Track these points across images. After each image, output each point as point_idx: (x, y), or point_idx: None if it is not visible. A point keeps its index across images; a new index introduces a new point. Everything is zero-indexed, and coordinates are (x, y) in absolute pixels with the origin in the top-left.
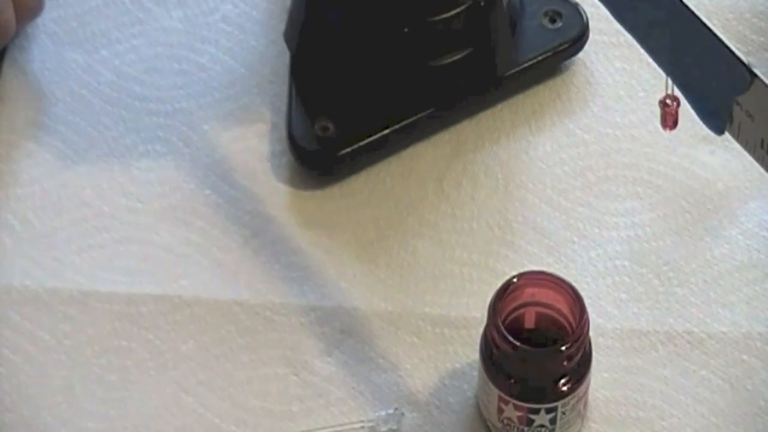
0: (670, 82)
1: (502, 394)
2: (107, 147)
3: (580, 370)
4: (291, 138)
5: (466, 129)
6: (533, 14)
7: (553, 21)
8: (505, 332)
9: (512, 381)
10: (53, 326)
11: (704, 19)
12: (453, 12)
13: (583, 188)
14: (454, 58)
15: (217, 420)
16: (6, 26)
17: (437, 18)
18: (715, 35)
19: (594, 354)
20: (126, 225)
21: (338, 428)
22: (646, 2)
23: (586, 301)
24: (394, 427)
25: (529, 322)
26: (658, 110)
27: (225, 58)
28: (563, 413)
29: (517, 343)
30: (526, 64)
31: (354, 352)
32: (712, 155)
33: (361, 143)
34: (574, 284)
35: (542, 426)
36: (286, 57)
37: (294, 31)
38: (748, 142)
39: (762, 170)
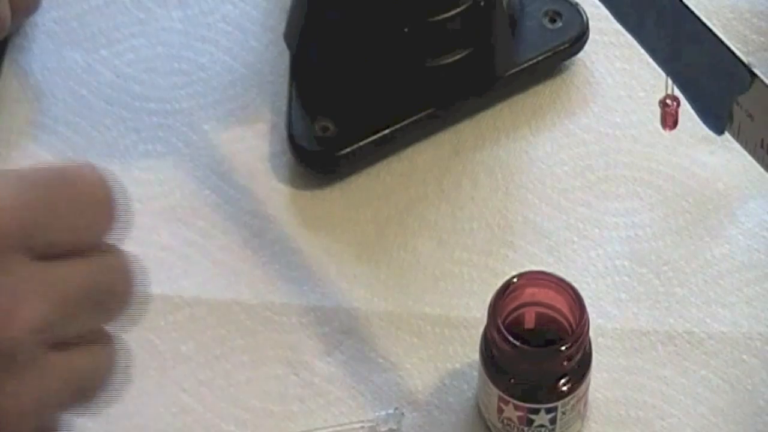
0: (670, 82)
1: (502, 394)
2: (107, 147)
3: (580, 370)
4: (291, 138)
5: (466, 129)
6: (533, 14)
7: (553, 21)
8: (505, 332)
9: (512, 381)
10: None
11: (704, 19)
12: (453, 12)
13: (583, 188)
14: (454, 58)
15: (217, 420)
16: (1, 21)
17: (437, 18)
18: (715, 35)
19: (594, 354)
20: None
21: (338, 428)
22: (646, 2)
23: (586, 301)
24: (394, 427)
25: (529, 322)
26: (658, 110)
27: (225, 58)
28: (563, 413)
29: (517, 343)
30: (526, 64)
31: (354, 352)
32: (712, 155)
33: (361, 143)
34: (574, 284)
35: (542, 426)
36: (286, 57)
37: (294, 31)
38: (748, 142)
39: (762, 170)
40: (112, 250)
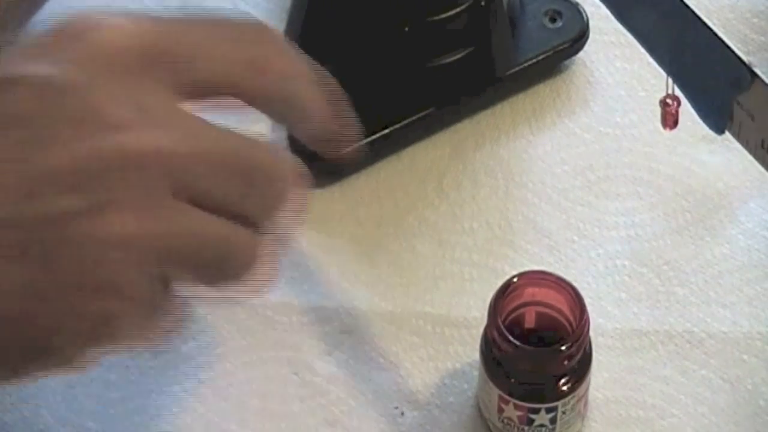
0: (670, 81)
1: (503, 394)
2: None
3: (580, 369)
4: (291, 137)
5: (467, 128)
6: (533, 13)
7: (553, 20)
8: (506, 332)
9: (512, 381)
10: None
11: (704, 19)
12: (453, 11)
13: (584, 188)
14: (455, 57)
15: (217, 419)
16: None
17: (437, 17)
18: (715, 35)
19: (594, 354)
20: None
21: None
22: (647, 2)
23: (587, 301)
24: None
25: (530, 322)
26: (658, 110)
27: None
28: (563, 413)
29: (518, 343)
30: (526, 64)
31: (354, 352)
32: (713, 155)
33: (361, 143)
34: (575, 284)
35: (542, 426)
36: None
37: (294, 31)
38: (748, 142)
39: (762, 170)
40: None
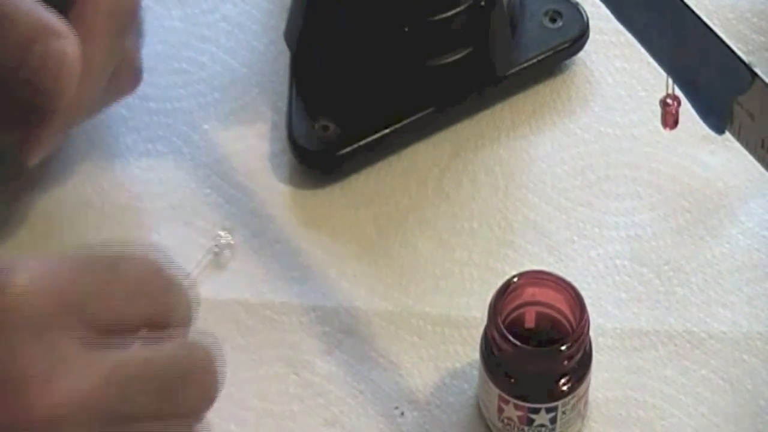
0: (670, 81)
1: (503, 394)
2: (108, 146)
3: (580, 369)
4: (291, 137)
5: (467, 128)
6: (533, 14)
7: (553, 20)
8: (506, 332)
9: (512, 380)
10: None
11: (705, 19)
12: (453, 11)
13: (584, 188)
14: (455, 57)
15: (218, 419)
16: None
17: (437, 17)
18: (715, 34)
19: (594, 354)
20: (126, 224)
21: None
22: (647, 2)
23: (587, 301)
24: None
25: (530, 322)
26: (658, 110)
27: (225, 57)
28: (563, 413)
29: (518, 343)
30: (526, 64)
31: (354, 352)
32: (713, 155)
33: (362, 143)
34: (575, 284)
35: (542, 425)
36: (286, 56)
37: (294, 31)
38: (748, 142)
39: (762, 170)
40: (183, 342)
